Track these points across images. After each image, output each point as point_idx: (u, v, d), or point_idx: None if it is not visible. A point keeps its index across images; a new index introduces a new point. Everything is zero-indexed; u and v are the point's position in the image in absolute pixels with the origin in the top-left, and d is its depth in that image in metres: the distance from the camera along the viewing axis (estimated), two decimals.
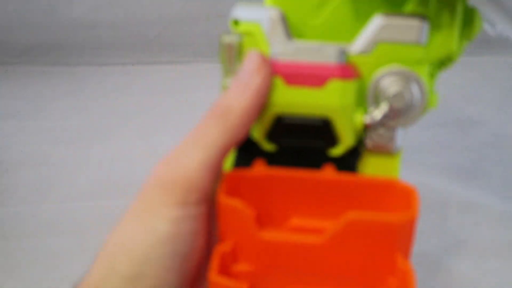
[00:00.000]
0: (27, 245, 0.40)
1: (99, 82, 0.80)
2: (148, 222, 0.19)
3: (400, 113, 0.22)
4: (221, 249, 0.20)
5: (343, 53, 0.21)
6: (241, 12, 0.22)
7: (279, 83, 0.21)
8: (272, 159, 0.22)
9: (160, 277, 0.19)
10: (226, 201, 0.20)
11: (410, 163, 0.53)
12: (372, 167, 0.23)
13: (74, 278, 0.37)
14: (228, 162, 0.23)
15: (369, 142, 0.23)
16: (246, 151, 0.23)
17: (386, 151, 0.23)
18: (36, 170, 0.52)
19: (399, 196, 0.22)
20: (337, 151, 0.22)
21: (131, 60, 0.86)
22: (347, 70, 0.21)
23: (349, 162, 0.23)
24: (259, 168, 0.21)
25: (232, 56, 0.23)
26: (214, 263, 0.20)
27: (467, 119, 0.60)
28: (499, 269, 0.39)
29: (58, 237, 0.41)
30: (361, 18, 0.22)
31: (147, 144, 0.58)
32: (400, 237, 0.22)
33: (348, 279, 0.21)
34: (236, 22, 0.22)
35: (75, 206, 0.46)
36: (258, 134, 0.22)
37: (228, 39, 0.23)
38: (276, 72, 0.21)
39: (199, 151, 0.19)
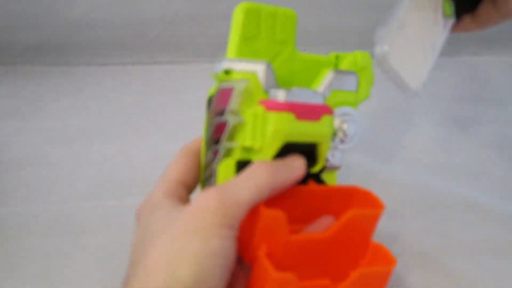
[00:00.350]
0: (27, 245, 0.40)
1: (99, 82, 0.80)
2: (205, 237, 0.23)
3: (350, 139, 0.32)
4: (263, 252, 0.26)
5: (324, 97, 0.30)
6: (233, 64, 0.28)
7: (292, 118, 0.28)
8: None
9: (211, 284, 0.23)
10: (269, 212, 0.25)
11: (410, 163, 0.53)
12: (326, 178, 0.32)
13: (74, 278, 0.37)
14: (230, 173, 0.28)
15: (327, 162, 0.32)
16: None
17: (334, 168, 0.32)
18: (36, 170, 0.52)
19: (361, 196, 0.30)
20: (316, 169, 0.31)
21: (131, 60, 0.86)
22: (330, 108, 0.30)
23: (318, 176, 0.31)
24: None
25: (244, 97, 0.28)
26: (267, 263, 0.25)
27: (467, 119, 0.60)
28: (499, 269, 0.39)
29: (58, 237, 0.41)
30: (302, 68, 0.32)
31: (147, 144, 0.58)
32: (376, 224, 0.30)
33: (340, 262, 0.29)
34: (227, 72, 0.28)
35: (75, 206, 0.46)
36: (265, 157, 0.28)
37: (244, 84, 0.28)
38: (290, 110, 0.27)
39: (250, 190, 0.25)
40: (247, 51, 0.29)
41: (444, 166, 0.52)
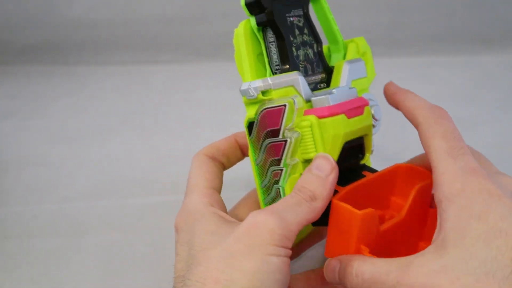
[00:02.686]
0: (27, 245, 0.40)
1: (99, 82, 0.80)
2: (263, 255, 0.24)
3: (378, 123, 0.33)
4: (367, 252, 0.27)
5: (356, 91, 0.31)
6: (265, 83, 0.28)
7: (344, 118, 0.28)
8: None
9: None
10: (365, 214, 0.26)
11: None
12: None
13: (74, 278, 0.37)
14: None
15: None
16: None
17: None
18: (36, 170, 0.52)
19: (406, 171, 0.31)
20: (364, 160, 0.32)
21: (131, 59, 0.86)
22: (366, 99, 0.30)
23: (364, 165, 0.32)
24: (339, 188, 0.29)
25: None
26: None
27: (467, 119, 0.60)
28: None
29: (58, 237, 0.41)
30: None
31: (147, 143, 0.58)
32: (430, 193, 0.31)
33: (411, 236, 0.30)
34: (264, 92, 0.28)
35: (75, 206, 0.46)
36: None
37: (294, 99, 0.28)
38: (340, 112, 0.28)
39: (296, 218, 0.26)
40: (260, 67, 0.30)
41: None
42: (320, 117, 0.28)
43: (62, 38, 0.86)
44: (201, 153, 0.32)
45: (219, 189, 0.31)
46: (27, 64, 0.87)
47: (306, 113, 0.28)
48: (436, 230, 0.24)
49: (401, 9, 0.85)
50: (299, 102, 0.28)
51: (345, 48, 0.34)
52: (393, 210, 0.33)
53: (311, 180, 0.27)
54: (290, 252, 0.25)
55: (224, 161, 0.32)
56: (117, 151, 0.56)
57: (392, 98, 0.29)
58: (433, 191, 0.26)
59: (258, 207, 0.32)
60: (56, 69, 0.85)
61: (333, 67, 0.32)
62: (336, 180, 0.28)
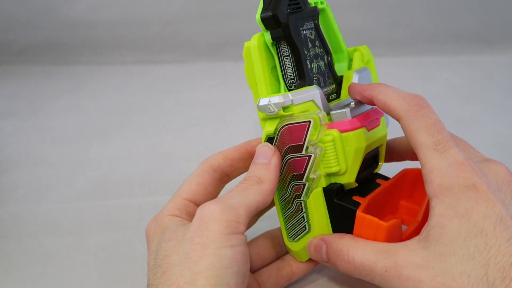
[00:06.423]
0: (27, 245, 0.40)
1: (99, 81, 0.80)
2: (215, 249, 0.24)
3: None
4: None
5: None
6: (288, 99, 0.28)
7: (365, 131, 0.29)
8: (354, 192, 0.30)
9: None
10: (390, 225, 0.27)
11: (410, 163, 0.53)
12: None
13: (74, 278, 0.37)
14: (320, 203, 0.30)
15: None
16: (340, 202, 0.29)
17: None
18: (35, 170, 0.52)
19: (415, 174, 0.33)
20: (378, 169, 0.32)
21: (130, 59, 0.86)
22: (380, 110, 0.30)
23: (376, 173, 0.33)
24: (360, 198, 0.29)
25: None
26: None
27: (467, 119, 0.60)
28: None
29: (58, 237, 0.41)
30: None
31: (147, 143, 0.58)
32: None
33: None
34: (285, 108, 0.28)
35: (74, 206, 0.46)
36: (351, 178, 0.29)
37: (319, 115, 0.28)
38: (361, 125, 0.28)
39: (243, 201, 0.26)
40: (274, 81, 0.30)
41: None
42: (342, 131, 0.28)
43: (62, 38, 0.86)
44: (207, 162, 0.32)
45: (203, 201, 0.31)
46: (27, 63, 0.87)
47: (330, 127, 0.28)
48: (425, 225, 0.25)
49: (401, 9, 0.85)
50: (324, 118, 0.28)
51: (349, 57, 0.34)
52: (402, 213, 0.33)
53: (256, 168, 0.29)
54: (244, 237, 0.26)
55: (229, 171, 0.32)
56: (117, 151, 0.56)
57: (362, 95, 0.29)
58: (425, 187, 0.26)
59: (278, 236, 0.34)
60: (56, 68, 0.85)
61: (341, 77, 0.32)
62: (279, 163, 0.29)
